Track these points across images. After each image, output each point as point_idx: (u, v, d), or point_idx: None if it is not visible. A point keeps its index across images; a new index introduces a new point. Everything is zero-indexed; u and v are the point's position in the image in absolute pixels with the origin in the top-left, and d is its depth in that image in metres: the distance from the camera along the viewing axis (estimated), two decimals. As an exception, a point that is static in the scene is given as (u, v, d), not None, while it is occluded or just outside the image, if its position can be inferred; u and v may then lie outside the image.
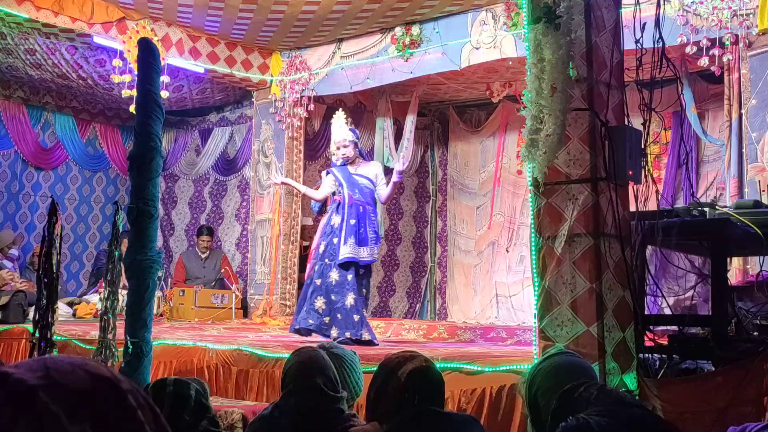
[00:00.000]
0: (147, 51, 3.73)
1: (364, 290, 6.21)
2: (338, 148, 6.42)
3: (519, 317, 8.83)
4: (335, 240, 6.15)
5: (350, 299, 6.03)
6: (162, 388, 2.53)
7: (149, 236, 3.56)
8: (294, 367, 2.71)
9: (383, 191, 6.36)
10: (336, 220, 6.24)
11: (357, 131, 6.68)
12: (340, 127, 6.52)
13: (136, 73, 4.54)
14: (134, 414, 0.67)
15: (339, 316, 6.02)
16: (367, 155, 6.73)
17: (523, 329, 7.31)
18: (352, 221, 6.16)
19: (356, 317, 6.02)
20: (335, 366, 2.96)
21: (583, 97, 3.33)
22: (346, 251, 6.07)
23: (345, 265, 6.09)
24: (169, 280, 9.85)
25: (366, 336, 6.07)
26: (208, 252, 9.97)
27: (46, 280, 3.50)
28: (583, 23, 3.35)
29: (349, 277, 6.09)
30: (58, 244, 3.56)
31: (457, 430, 1.98)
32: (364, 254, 6.14)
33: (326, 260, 6.18)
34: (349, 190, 6.25)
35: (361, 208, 6.23)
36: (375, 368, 2.52)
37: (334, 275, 6.09)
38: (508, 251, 9.49)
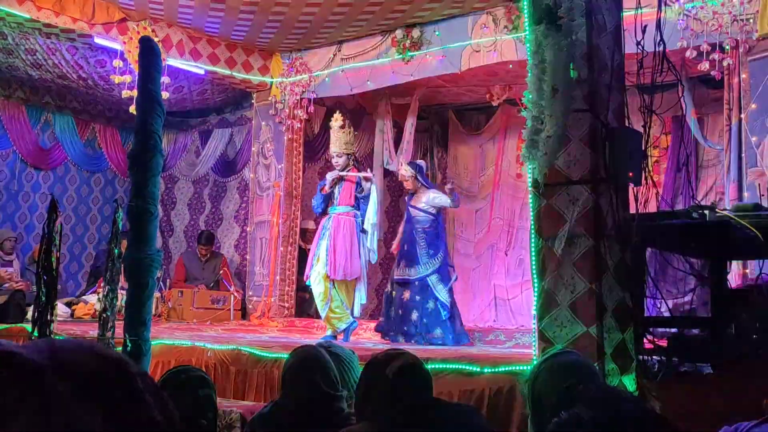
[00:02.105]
0: (148, 49, 3.73)
1: (431, 303, 6.86)
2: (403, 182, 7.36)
3: (517, 320, 8.82)
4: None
5: (414, 315, 6.88)
6: (176, 375, 2.56)
7: (149, 235, 3.55)
8: (294, 365, 2.70)
9: (447, 203, 7.03)
10: None
11: (417, 163, 7.45)
12: (402, 165, 7.44)
13: (136, 73, 4.54)
14: (142, 396, 0.67)
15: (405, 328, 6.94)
16: (429, 183, 7.39)
17: (521, 332, 7.31)
18: (406, 246, 7.12)
19: (414, 329, 6.83)
20: (334, 365, 2.96)
21: (584, 98, 3.33)
22: (396, 273, 7.07)
23: (403, 284, 7.01)
24: (168, 281, 9.84)
25: (436, 342, 6.69)
26: (208, 255, 9.97)
27: (45, 278, 3.49)
28: (584, 25, 3.36)
29: (406, 295, 6.97)
30: (57, 242, 3.55)
31: (457, 420, 1.95)
32: (412, 273, 6.94)
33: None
34: (408, 223, 7.19)
35: (410, 234, 7.12)
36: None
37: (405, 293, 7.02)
38: (507, 254, 9.49)
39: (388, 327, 7.04)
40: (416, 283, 6.90)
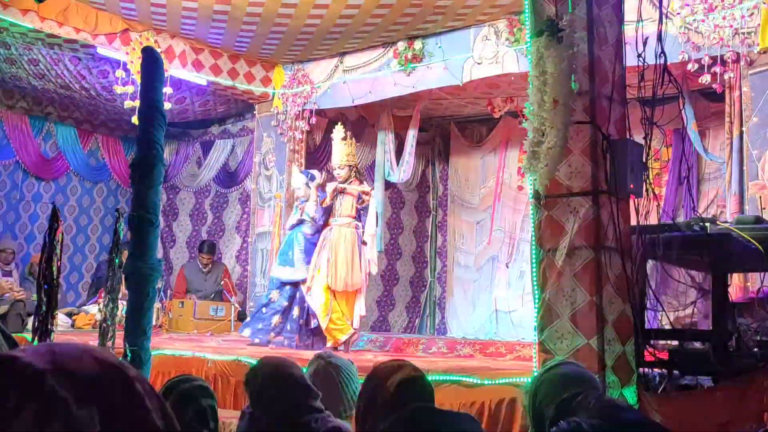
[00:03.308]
0: (151, 60, 3.74)
1: (297, 309, 7.17)
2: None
3: (518, 333, 8.79)
4: None
5: (276, 318, 7.22)
6: (177, 384, 2.54)
7: (150, 244, 3.55)
8: (268, 374, 2.61)
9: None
10: None
11: (310, 171, 7.83)
12: (293, 173, 8.18)
13: (139, 84, 4.55)
14: (141, 400, 0.67)
15: None
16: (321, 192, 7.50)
17: (522, 345, 7.27)
18: (284, 247, 7.58)
19: (278, 331, 7.21)
20: (333, 374, 2.94)
21: (585, 110, 3.34)
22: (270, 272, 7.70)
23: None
24: (169, 291, 9.82)
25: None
26: (210, 265, 9.95)
27: (46, 287, 3.49)
28: (586, 37, 3.37)
29: (274, 295, 7.33)
30: (58, 251, 3.55)
31: (452, 426, 1.94)
32: (284, 274, 7.27)
33: None
34: (296, 226, 7.47)
35: (289, 236, 7.54)
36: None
37: None
38: (507, 267, 9.47)
39: (255, 328, 7.14)
40: (286, 286, 7.15)
